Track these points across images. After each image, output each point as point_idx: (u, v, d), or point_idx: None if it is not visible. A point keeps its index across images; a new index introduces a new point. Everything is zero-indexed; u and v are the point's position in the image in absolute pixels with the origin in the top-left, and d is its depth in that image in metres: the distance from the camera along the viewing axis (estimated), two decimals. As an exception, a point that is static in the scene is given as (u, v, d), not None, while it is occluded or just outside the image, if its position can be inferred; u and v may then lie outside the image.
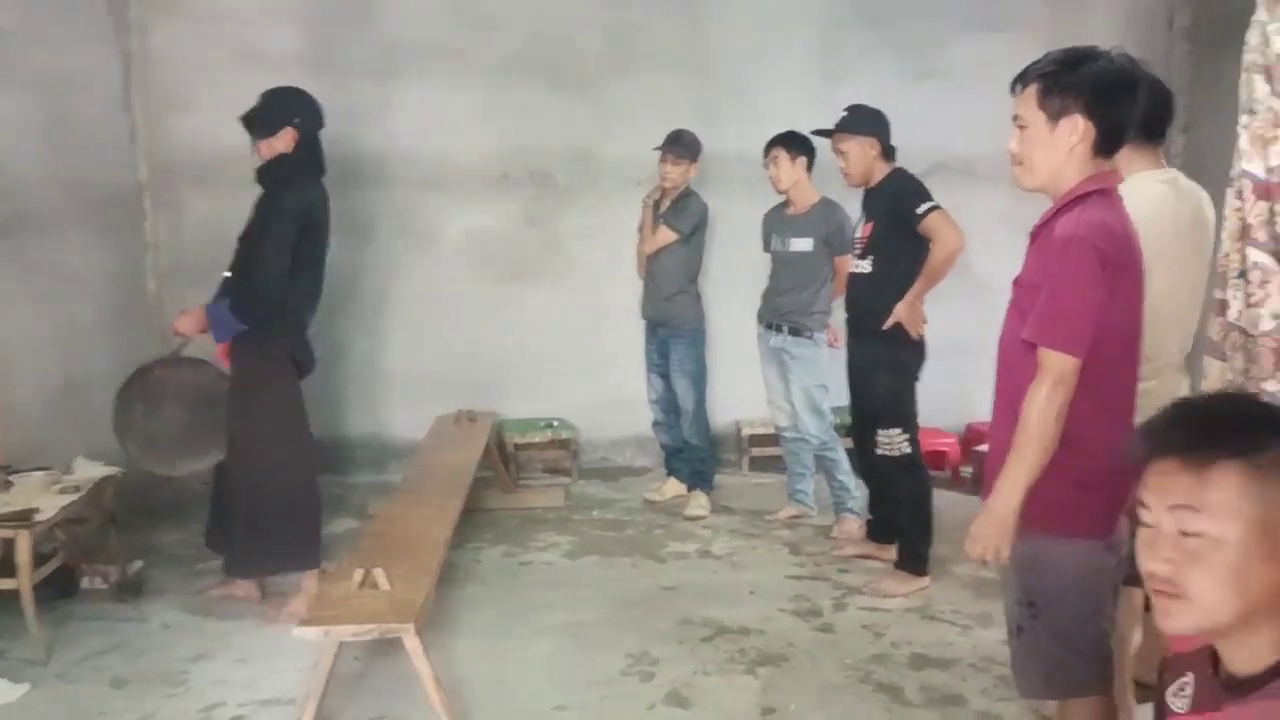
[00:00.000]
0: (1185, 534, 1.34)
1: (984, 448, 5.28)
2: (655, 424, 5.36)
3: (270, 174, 3.85)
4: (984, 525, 2.17)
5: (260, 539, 3.81)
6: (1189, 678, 1.48)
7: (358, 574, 3.00)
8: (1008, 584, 2.29)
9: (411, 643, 2.84)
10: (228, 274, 3.92)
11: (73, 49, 4.92)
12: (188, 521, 4.70)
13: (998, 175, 5.83)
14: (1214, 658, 1.42)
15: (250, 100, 5.33)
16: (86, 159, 5.03)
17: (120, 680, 3.38)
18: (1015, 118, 2.22)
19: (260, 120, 3.85)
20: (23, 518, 3.48)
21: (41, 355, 4.56)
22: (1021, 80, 2.21)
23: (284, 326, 3.85)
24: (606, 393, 5.86)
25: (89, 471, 4.01)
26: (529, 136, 5.76)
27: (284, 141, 3.82)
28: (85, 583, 4.03)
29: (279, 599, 3.94)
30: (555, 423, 5.82)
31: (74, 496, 3.75)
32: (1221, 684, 1.40)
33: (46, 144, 4.63)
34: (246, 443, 3.81)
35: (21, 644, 3.53)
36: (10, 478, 3.80)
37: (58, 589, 3.88)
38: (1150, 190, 2.79)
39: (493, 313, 5.84)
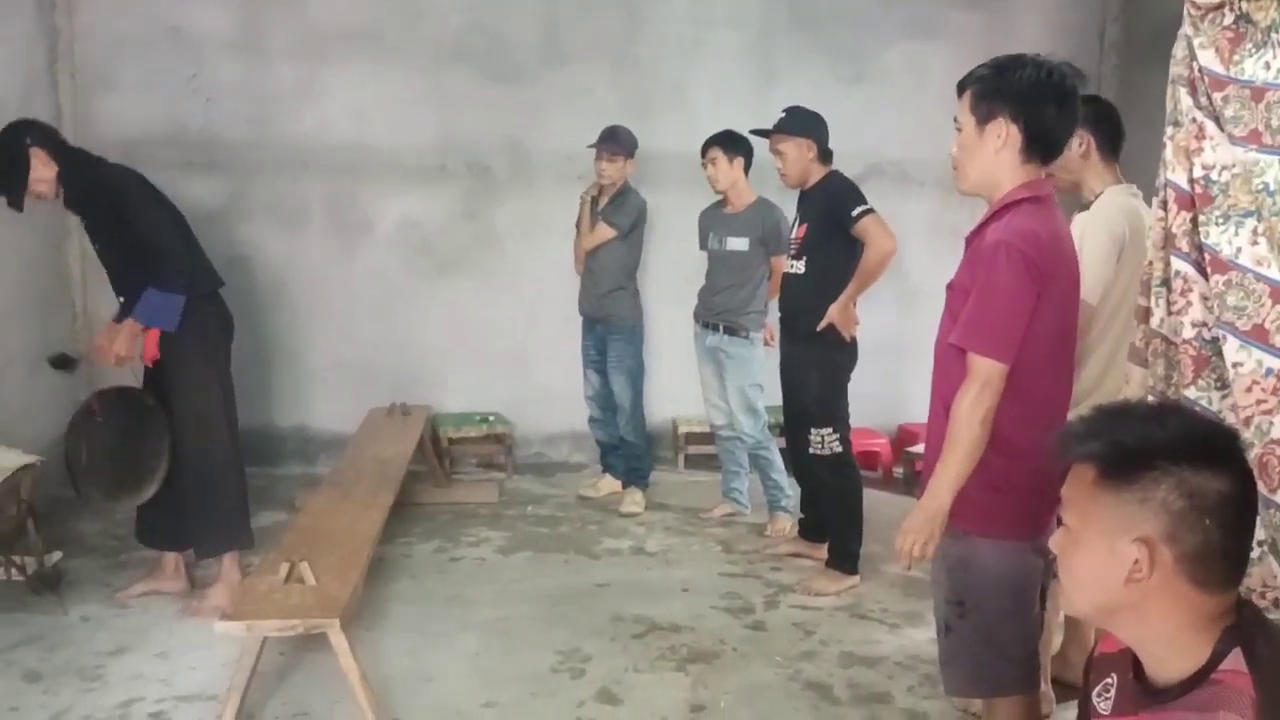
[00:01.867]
0: (1061, 525, 1.47)
1: (916, 448, 5.40)
2: (591, 420, 5.35)
3: (77, 193, 3.66)
4: (914, 522, 2.21)
5: (221, 514, 3.77)
6: (1112, 679, 1.51)
7: (283, 568, 2.94)
8: (937, 583, 2.33)
9: (337, 638, 2.79)
10: (121, 299, 3.75)
11: (-7, 24, 4.75)
12: (108, 512, 4.57)
13: (932, 180, 6.01)
14: (1136, 662, 1.45)
15: (177, 79, 5.22)
16: (7, 137, 4.86)
17: (34, 674, 3.28)
18: (955, 121, 2.26)
19: (7, 174, 3.60)
20: (-68, 507, 3.35)
21: (-45, 339, 4.41)
22: (961, 86, 2.25)
23: (207, 281, 3.78)
24: (542, 388, 5.83)
25: (6, 460, 3.85)
26: (465, 127, 5.71)
27: (43, 165, 3.59)
28: (0, 574, 3.89)
29: (201, 591, 3.86)
30: (491, 417, 5.78)
31: (-12, 485, 3.63)
32: (1143, 690, 1.43)
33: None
34: (198, 423, 3.72)
35: (-70, 638, 3.42)
36: (-79, 465, 3.66)
37: (-31, 581, 3.77)
38: (1125, 203, 2.88)
39: (428, 305, 5.78)
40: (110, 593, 3.90)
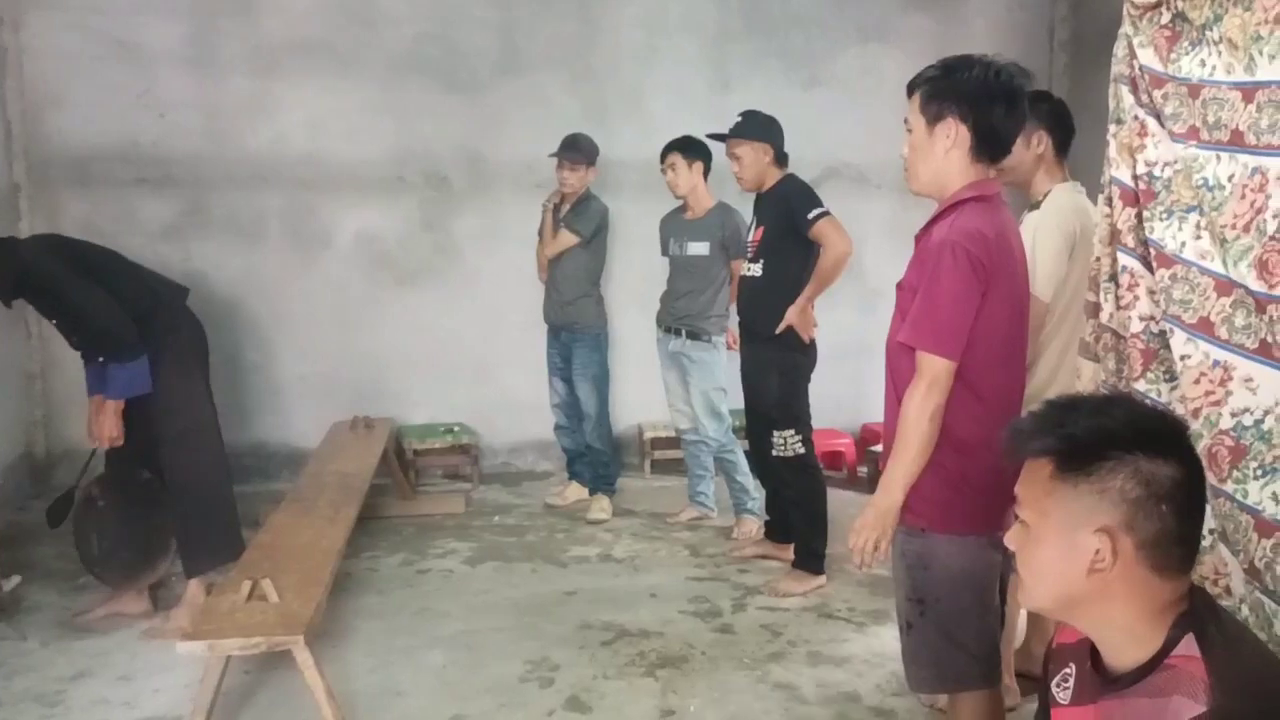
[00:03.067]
0: (1018, 520, 1.49)
1: (879, 448, 5.44)
2: (557, 428, 5.35)
3: (6, 287, 3.50)
4: (866, 519, 2.24)
5: (217, 530, 3.74)
6: (1071, 669, 1.53)
7: (245, 585, 2.90)
8: (898, 581, 2.35)
9: (301, 655, 2.77)
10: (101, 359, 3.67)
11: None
12: (66, 535, 4.49)
13: (888, 182, 6.08)
14: (1094, 651, 1.48)
15: (128, 95, 5.13)
16: (-46, 157, 4.78)
17: (-9, 703, 3.23)
18: (905, 123, 2.28)
19: None
20: (-117, 535, 3.30)
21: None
22: (910, 87, 2.27)
23: (170, 295, 3.75)
24: (507, 397, 5.82)
25: (-41, 485, 3.82)
26: (422, 138, 5.69)
27: None
28: (-45, 601, 3.84)
29: (165, 612, 3.81)
30: (455, 428, 5.75)
31: (-56, 511, 3.58)
32: (1100, 678, 1.45)
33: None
34: (188, 438, 3.69)
35: (-116, 666, 3.35)
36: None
37: (-73, 607, 3.71)
38: (1075, 200, 2.94)
39: (388, 317, 5.75)
40: (69, 616, 3.84)
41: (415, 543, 4.76)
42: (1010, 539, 1.51)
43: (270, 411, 5.67)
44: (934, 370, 2.14)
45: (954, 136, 2.20)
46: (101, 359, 3.58)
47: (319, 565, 3.23)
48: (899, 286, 2.30)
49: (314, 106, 5.55)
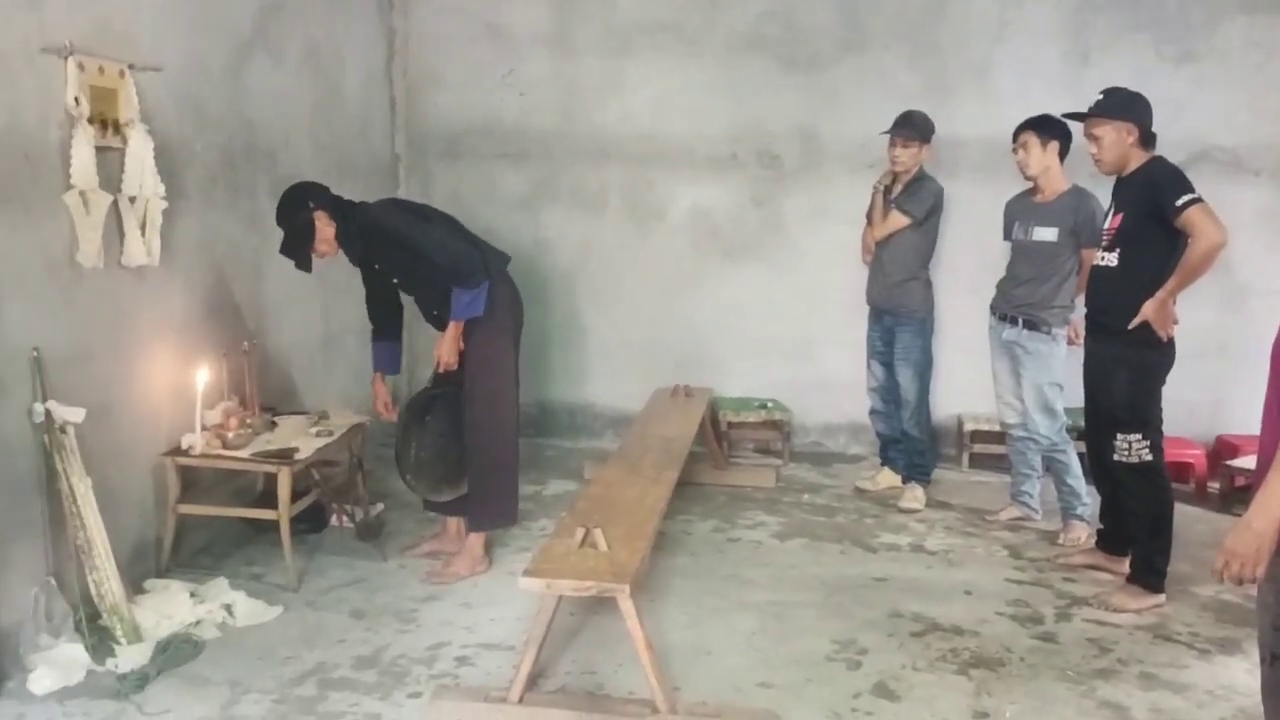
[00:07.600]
0: None
1: (1237, 462, 4.92)
2: (873, 412, 5.26)
3: (358, 244, 3.86)
4: (1239, 541, 2.02)
5: (501, 491, 4.00)
6: None
7: (579, 533, 3.10)
8: (1264, 606, 2.12)
9: (625, 604, 2.92)
10: (435, 312, 3.98)
11: (340, 24, 5.27)
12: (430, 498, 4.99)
13: (1267, 168, 5.45)
14: None
15: (494, 75, 5.53)
16: (350, 130, 5.40)
17: (360, 612, 3.66)
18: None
19: (295, 239, 3.82)
20: (285, 455, 3.81)
21: (304, 311, 4.96)
22: None
23: (496, 262, 3.93)
24: (822, 377, 5.83)
25: (342, 418, 4.34)
26: (757, 117, 5.77)
27: (325, 225, 3.80)
28: (333, 520, 4.38)
29: (445, 558, 4.09)
30: (770, 403, 5.82)
31: (328, 440, 4.07)
32: None
33: (315, 113, 4.97)
34: (490, 401, 3.91)
35: (277, 571, 3.89)
36: (275, 419, 4.17)
37: (309, 524, 4.26)
38: None
39: (713, 290, 5.91)
40: (398, 550, 4.22)
41: (726, 511, 4.88)
42: None
43: (600, 374, 6.02)
44: (1337, 375, 1.91)
45: None
46: (449, 291, 3.80)
47: (643, 521, 3.38)
48: (1297, 282, 2.06)
49: (659, 85, 5.79)
